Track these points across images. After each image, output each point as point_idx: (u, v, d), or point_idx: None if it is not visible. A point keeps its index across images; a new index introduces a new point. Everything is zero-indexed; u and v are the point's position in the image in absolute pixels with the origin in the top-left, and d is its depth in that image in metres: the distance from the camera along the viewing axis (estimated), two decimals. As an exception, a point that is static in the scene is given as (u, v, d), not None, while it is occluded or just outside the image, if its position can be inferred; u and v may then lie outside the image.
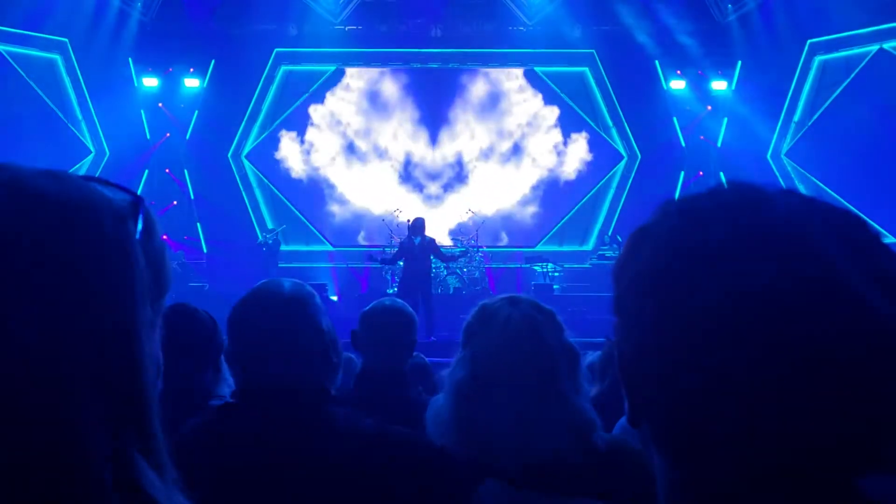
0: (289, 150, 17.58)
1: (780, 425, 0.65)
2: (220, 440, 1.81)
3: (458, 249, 14.66)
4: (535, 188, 17.54)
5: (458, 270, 14.97)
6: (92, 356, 0.68)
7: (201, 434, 1.83)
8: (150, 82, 16.63)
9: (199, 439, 1.80)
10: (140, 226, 0.76)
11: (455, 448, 1.77)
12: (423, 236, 11.45)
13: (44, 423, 0.65)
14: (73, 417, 0.66)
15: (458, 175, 17.62)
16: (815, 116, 16.31)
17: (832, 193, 15.62)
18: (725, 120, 17.02)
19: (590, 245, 17.26)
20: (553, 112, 17.64)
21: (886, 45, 15.55)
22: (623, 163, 17.57)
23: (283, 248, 16.94)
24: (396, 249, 12.28)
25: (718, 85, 16.77)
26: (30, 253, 0.67)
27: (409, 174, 17.63)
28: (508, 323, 1.79)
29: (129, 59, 16.52)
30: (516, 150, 17.65)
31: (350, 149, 17.56)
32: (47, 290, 0.67)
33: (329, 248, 17.26)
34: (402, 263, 11.72)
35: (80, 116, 16.24)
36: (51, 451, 0.65)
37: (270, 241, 15.23)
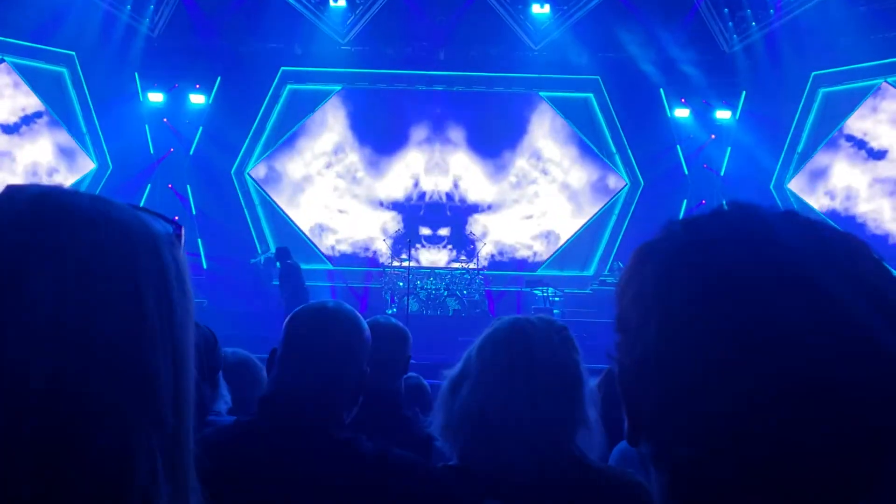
0: (292, 167, 17.64)
1: (779, 449, 0.65)
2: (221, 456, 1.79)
3: None
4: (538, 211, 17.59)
5: (457, 292, 14.98)
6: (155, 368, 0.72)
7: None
8: (156, 97, 16.70)
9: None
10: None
11: (439, 434, 1.87)
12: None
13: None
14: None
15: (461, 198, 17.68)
16: (819, 148, 16.38)
17: (834, 225, 15.65)
18: (729, 149, 17.08)
19: (591, 270, 17.26)
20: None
21: (890, 80, 15.64)
22: (626, 189, 17.61)
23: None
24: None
25: (722, 114, 16.86)
26: (102, 268, 0.71)
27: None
28: (501, 327, 1.86)
29: (136, 74, 16.61)
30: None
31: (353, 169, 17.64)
32: (119, 303, 0.71)
33: (329, 266, 17.26)
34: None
35: (84, 129, 16.32)
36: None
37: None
